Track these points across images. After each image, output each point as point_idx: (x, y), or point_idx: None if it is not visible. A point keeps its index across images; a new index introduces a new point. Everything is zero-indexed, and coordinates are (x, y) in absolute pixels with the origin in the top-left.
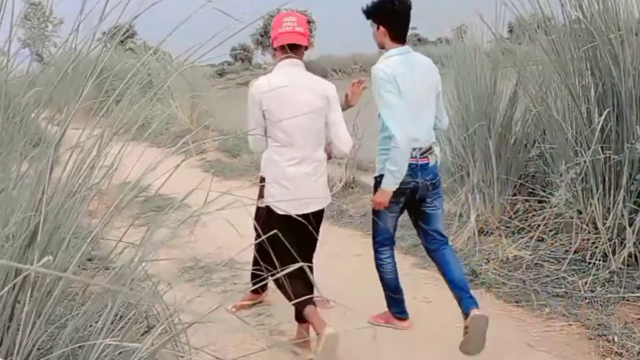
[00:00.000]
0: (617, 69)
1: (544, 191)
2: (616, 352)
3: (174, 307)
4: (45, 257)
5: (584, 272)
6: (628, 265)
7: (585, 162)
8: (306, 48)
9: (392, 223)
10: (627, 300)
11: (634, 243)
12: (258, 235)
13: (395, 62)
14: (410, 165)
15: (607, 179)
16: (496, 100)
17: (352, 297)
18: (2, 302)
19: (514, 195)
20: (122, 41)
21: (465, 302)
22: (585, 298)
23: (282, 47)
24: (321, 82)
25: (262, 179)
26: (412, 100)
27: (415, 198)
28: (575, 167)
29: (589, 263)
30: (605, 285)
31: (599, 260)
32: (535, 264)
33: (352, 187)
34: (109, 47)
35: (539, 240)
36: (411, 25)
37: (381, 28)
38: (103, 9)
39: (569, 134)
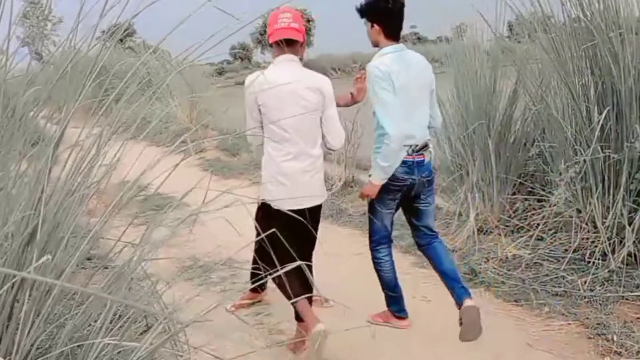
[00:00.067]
0: (616, 67)
1: (544, 190)
2: (615, 351)
3: (173, 306)
4: (44, 257)
5: (583, 271)
6: (627, 265)
7: (584, 161)
8: (302, 44)
9: (389, 220)
10: (626, 299)
11: (634, 242)
12: (258, 234)
13: (390, 59)
14: (406, 162)
15: (606, 177)
16: (496, 99)
17: (351, 296)
18: (1, 301)
19: (514, 194)
20: (121, 40)
21: (458, 292)
22: (585, 297)
23: (278, 43)
24: (317, 77)
25: None
26: (407, 97)
27: (410, 195)
28: (575, 166)
29: (588, 262)
30: (604, 285)
31: (598, 259)
32: (535, 263)
33: (352, 186)
34: (109, 45)
35: (538, 239)
36: (411, 24)
37: (375, 26)
38: (103, 7)
39: (569, 132)
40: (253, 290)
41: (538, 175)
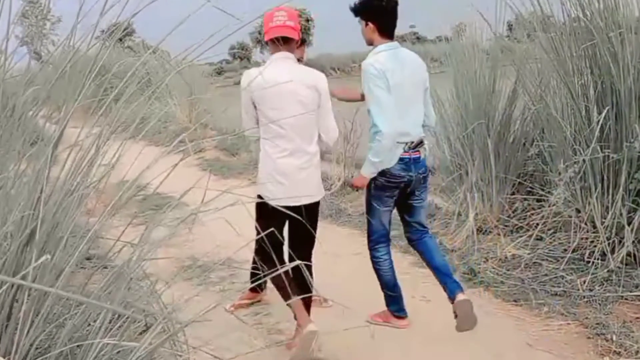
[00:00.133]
0: (616, 67)
1: (543, 190)
2: (614, 351)
3: (172, 306)
4: (43, 256)
5: (582, 271)
6: (626, 264)
7: (584, 160)
8: (298, 42)
9: (387, 218)
10: (626, 299)
11: (633, 242)
12: (258, 234)
13: (385, 57)
14: (403, 159)
15: (605, 177)
16: (495, 99)
17: (350, 296)
18: (1, 301)
19: (513, 194)
20: (120, 39)
21: (450, 286)
22: (584, 297)
23: (274, 41)
24: (312, 74)
25: None
26: (401, 95)
27: (407, 191)
28: (574, 165)
29: (588, 262)
30: (603, 284)
31: (598, 259)
32: (534, 262)
33: (351, 186)
34: (108, 45)
35: (537, 239)
36: (410, 23)
37: (370, 24)
38: (102, 7)
39: (568, 132)
40: (252, 290)
41: (537, 175)
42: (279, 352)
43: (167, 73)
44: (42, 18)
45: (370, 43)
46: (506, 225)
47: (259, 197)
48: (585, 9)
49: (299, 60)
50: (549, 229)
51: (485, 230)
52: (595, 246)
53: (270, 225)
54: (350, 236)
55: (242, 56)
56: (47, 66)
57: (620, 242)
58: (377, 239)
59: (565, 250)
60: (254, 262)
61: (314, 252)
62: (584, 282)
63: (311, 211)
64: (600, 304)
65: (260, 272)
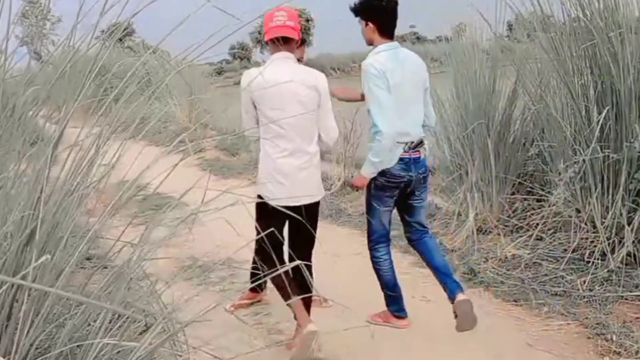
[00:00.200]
0: (616, 67)
1: (543, 190)
2: (614, 351)
3: (172, 306)
4: (43, 256)
5: (582, 271)
6: (626, 264)
7: (584, 160)
8: (297, 42)
9: (387, 218)
10: (626, 299)
11: (633, 242)
12: (258, 234)
13: (385, 57)
14: (403, 159)
15: (605, 177)
16: (495, 99)
17: (350, 296)
18: (1, 300)
19: (513, 194)
20: (120, 39)
21: (450, 286)
22: (584, 297)
23: (274, 41)
24: (312, 73)
25: None
26: (401, 95)
27: (407, 191)
28: (574, 165)
29: (588, 262)
30: (603, 284)
31: (598, 259)
32: (534, 262)
33: (350, 186)
34: (108, 45)
35: (537, 239)
36: (410, 23)
37: (370, 24)
38: (102, 6)
39: (568, 132)
40: (252, 290)
41: (537, 175)
42: (279, 352)
43: (167, 73)
44: (42, 18)
45: (370, 43)
46: (506, 225)
47: (259, 197)
48: (585, 9)
49: (299, 60)
50: (549, 229)
51: (485, 230)
52: (595, 246)
53: (270, 225)
54: (350, 236)
55: (242, 56)
56: (47, 66)
57: (620, 242)
58: (377, 239)
59: (565, 250)
60: (254, 262)
61: (314, 252)
62: (584, 282)
63: (311, 211)
64: (600, 304)
65: (260, 272)
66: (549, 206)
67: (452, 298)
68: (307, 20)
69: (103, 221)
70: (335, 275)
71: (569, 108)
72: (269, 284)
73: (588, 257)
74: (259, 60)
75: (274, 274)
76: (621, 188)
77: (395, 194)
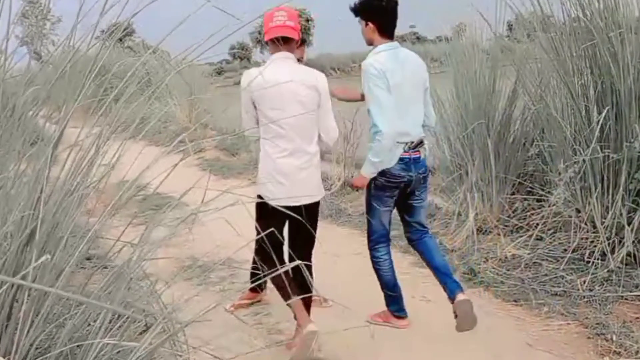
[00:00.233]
0: (616, 67)
1: (543, 190)
2: (614, 351)
3: (172, 306)
4: (43, 256)
5: (582, 271)
6: (626, 264)
7: (584, 160)
8: (298, 42)
9: (387, 218)
10: (626, 299)
11: (633, 242)
12: (258, 234)
13: (385, 57)
14: (403, 159)
15: (605, 177)
16: (495, 99)
17: (350, 296)
18: (0, 300)
19: (513, 194)
20: (120, 39)
21: (450, 286)
22: (584, 297)
23: (274, 41)
24: (312, 74)
25: None
26: (401, 95)
27: (407, 191)
28: (574, 165)
29: (588, 262)
30: (603, 284)
31: (598, 259)
32: (534, 262)
33: (350, 186)
34: (108, 45)
35: (537, 239)
36: (410, 23)
37: (370, 24)
38: (102, 6)
39: (568, 132)
40: (252, 290)
41: (537, 175)
42: (279, 352)
43: (167, 73)
44: (42, 18)
45: (370, 43)
46: (506, 225)
47: (259, 197)
48: (585, 9)
49: (299, 60)
50: (549, 229)
51: (485, 230)
52: (595, 246)
53: (271, 225)
54: (350, 236)
55: (242, 56)
56: (47, 66)
57: (620, 242)
58: (377, 239)
59: (565, 250)
60: (254, 262)
61: (314, 252)
62: (584, 282)
63: (311, 211)
64: (600, 304)
65: (260, 272)
66: (549, 206)
67: (452, 298)
68: (307, 20)
69: (103, 221)
70: (335, 275)
71: (569, 108)
72: (269, 284)
73: (588, 257)
74: (259, 60)
75: (274, 274)
76: (621, 188)
77: (395, 194)
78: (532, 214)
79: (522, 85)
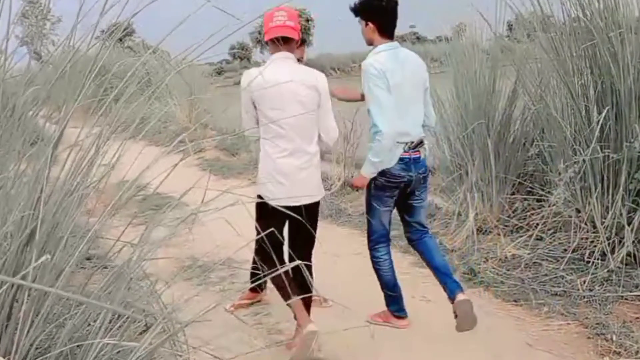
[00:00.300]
0: (616, 67)
1: (543, 190)
2: (614, 351)
3: (172, 306)
4: (43, 256)
5: (582, 271)
6: (626, 264)
7: (584, 160)
8: (298, 42)
9: (387, 218)
10: (626, 299)
11: (633, 242)
12: (257, 234)
13: (385, 57)
14: (403, 159)
15: (605, 177)
16: (495, 99)
17: (350, 296)
18: (0, 300)
19: (513, 194)
20: (120, 39)
21: (450, 286)
22: (584, 297)
23: (274, 41)
24: (312, 74)
25: None
26: (401, 95)
27: (407, 191)
28: (574, 165)
29: (588, 262)
30: (603, 284)
31: (598, 259)
32: (534, 262)
33: (351, 186)
34: (108, 45)
35: (537, 239)
36: (410, 23)
37: (370, 24)
38: (103, 6)
39: (568, 132)
40: (252, 290)
41: (537, 175)
42: (279, 352)
43: (167, 73)
44: (42, 18)
45: (370, 43)
46: (506, 225)
47: (259, 197)
48: (585, 9)
49: (299, 60)
50: (549, 229)
51: (485, 230)
52: (595, 246)
53: (270, 225)
54: (350, 236)
55: (242, 56)
56: (47, 66)
57: (620, 242)
58: (377, 239)
59: (565, 250)
60: (254, 262)
61: (314, 252)
62: (584, 282)
63: (311, 211)
64: (600, 304)
65: (260, 272)
66: (549, 206)
67: (452, 298)
68: (307, 20)
69: (103, 221)
70: (335, 275)
71: (569, 108)
72: (269, 284)
73: (588, 257)
74: (259, 60)
75: (274, 274)
76: (621, 188)
77: (396, 194)
78: (532, 214)
79: (522, 85)
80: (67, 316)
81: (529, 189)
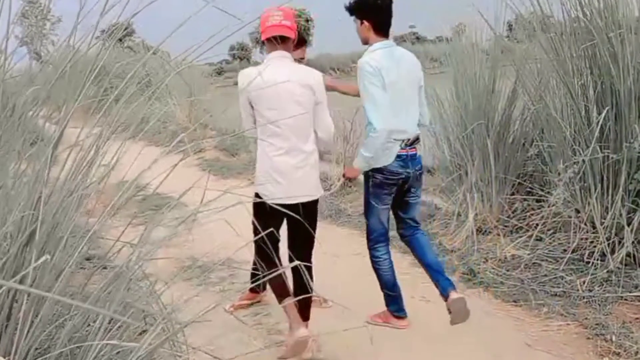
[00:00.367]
0: (616, 67)
1: (542, 190)
2: (614, 351)
3: (172, 306)
4: (43, 257)
5: (582, 272)
6: (626, 265)
7: (583, 161)
8: (294, 41)
9: (386, 216)
10: (625, 299)
11: (632, 242)
12: (255, 234)
13: (380, 55)
14: (400, 156)
15: (605, 178)
16: (495, 99)
17: (350, 297)
18: (0, 301)
19: (512, 194)
20: (120, 39)
21: (442, 284)
22: (583, 297)
23: (270, 40)
24: (307, 72)
25: None
26: (397, 93)
27: (404, 188)
28: (574, 166)
29: (587, 262)
30: (603, 285)
31: (597, 259)
32: (534, 263)
33: (350, 186)
34: (108, 45)
35: (537, 240)
36: (409, 23)
37: (365, 23)
38: (103, 7)
39: (568, 132)
40: (252, 290)
41: (537, 175)
42: (279, 352)
43: (167, 73)
44: (42, 18)
45: (366, 42)
46: (506, 226)
47: (257, 195)
48: (585, 8)
49: (301, 60)
50: (548, 230)
51: (485, 231)
52: (594, 247)
53: (268, 223)
54: (350, 236)
55: (241, 56)
56: (47, 66)
57: (619, 242)
58: (376, 238)
59: (565, 250)
60: (255, 262)
61: (313, 252)
62: (584, 282)
63: (309, 209)
64: (599, 305)
65: (260, 273)
66: (548, 206)
67: (445, 295)
68: (307, 21)
69: (103, 221)
70: (335, 276)
71: (568, 108)
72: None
73: (588, 258)
74: (258, 61)
75: (273, 274)
76: (621, 188)
77: (393, 191)
78: (532, 215)
79: (522, 86)
80: (66, 317)
81: (528, 189)
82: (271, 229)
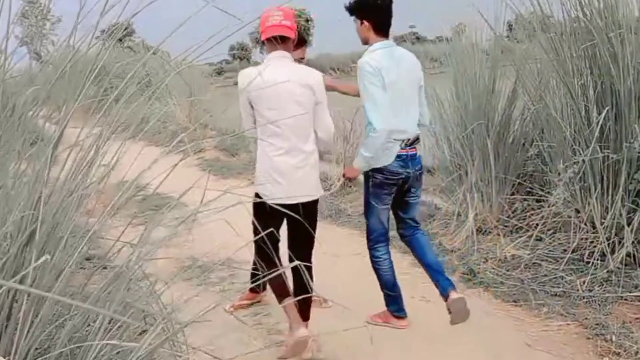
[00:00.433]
0: (616, 67)
1: (542, 190)
2: (614, 351)
3: (172, 306)
4: (43, 257)
5: (582, 272)
6: (626, 265)
7: (583, 161)
8: (294, 41)
9: (386, 216)
10: (625, 299)
11: (632, 242)
12: (255, 234)
13: (380, 55)
14: (400, 156)
15: (605, 178)
16: (495, 99)
17: (350, 297)
18: (0, 301)
19: (512, 194)
20: (120, 39)
21: (442, 284)
22: (583, 297)
23: (270, 40)
24: (307, 72)
25: None
26: (397, 92)
27: (404, 188)
28: (574, 166)
29: (587, 262)
30: (603, 285)
31: (597, 259)
32: (534, 263)
33: (350, 186)
34: (108, 45)
35: (537, 240)
36: (409, 23)
37: (365, 23)
38: (103, 7)
39: (568, 132)
40: (252, 290)
41: (537, 175)
42: (279, 352)
43: (167, 73)
44: (42, 18)
45: (366, 42)
46: (506, 226)
47: (257, 195)
48: (584, 8)
49: (301, 60)
50: (548, 230)
51: (485, 231)
52: (594, 247)
53: (267, 223)
54: (350, 236)
55: (241, 56)
56: (47, 66)
57: (619, 242)
58: (376, 238)
59: (565, 250)
60: (255, 262)
61: (313, 252)
62: (584, 282)
63: (309, 209)
64: (599, 305)
65: (261, 274)
66: (548, 206)
67: (444, 295)
68: (307, 21)
69: (103, 221)
70: (335, 276)
71: (568, 108)
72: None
73: (588, 258)
74: (258, 61)
75: (273, 274)
76: (621, 188)
77: (394, 191)
78: (532, 214)
79: (522, 86)
80: (66, 317)
81: (528, 189)
82: (271, 229)
